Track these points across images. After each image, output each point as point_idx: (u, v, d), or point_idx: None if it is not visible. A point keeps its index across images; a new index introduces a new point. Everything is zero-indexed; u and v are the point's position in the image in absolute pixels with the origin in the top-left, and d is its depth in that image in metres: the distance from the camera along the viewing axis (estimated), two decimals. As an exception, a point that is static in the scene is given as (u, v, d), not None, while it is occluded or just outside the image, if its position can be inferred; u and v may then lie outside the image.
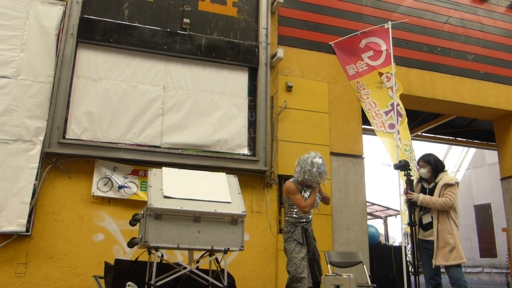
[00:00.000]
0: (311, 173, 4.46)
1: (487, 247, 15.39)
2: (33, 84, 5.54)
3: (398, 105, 6.79)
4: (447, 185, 4.59)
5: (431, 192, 4.64)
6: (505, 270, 9.98)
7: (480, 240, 15.74)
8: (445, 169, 4.74)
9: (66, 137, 5.56)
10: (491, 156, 14.47)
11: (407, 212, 6.32)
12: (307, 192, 4.58)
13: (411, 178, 4.72)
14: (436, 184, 4.65)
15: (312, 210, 4.59)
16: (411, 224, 4.61)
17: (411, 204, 4.66)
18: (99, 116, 5.73)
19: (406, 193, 4.69)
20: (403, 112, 6.88)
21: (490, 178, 15.19)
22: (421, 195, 4.57)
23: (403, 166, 4.76)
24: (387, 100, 7.08)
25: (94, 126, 5.68)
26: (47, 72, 5.62)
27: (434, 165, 4.71)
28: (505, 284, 10.11)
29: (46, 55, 5.67)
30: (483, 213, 15.78)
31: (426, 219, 4.63)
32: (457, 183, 4.68)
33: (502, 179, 8.62)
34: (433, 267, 4.49)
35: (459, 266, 4.48)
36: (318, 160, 4.52)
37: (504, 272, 11.17)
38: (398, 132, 6.51)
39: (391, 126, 6.96)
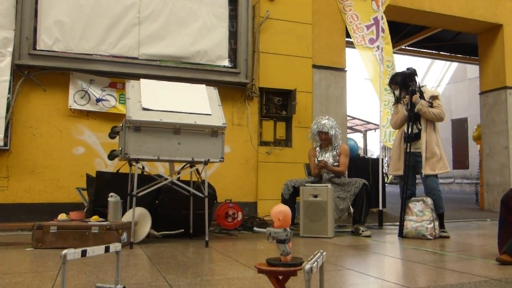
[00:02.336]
0: (311, 129, 5.07)
1: (460, 160, 16.06)
2: (-5, -10, 5.14)
3: (382, 18, 6.60)
4: (434, 97, 4.64)
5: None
6: (475, 180, 10.48)
7: (454, 153, 16.36)
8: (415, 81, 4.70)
9: (37, 48, 5.28)
10: (472, 71, 14.54)
11: (385, 130, 6.43)
12: (326, 154, 5.00)
13: (413, 88, 4.63)
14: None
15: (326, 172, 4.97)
16: (409, 136, 4.61)
17: (412, 109, 4.60)
18: (71, 26, 5.41)
19: (411, 95, 4.61)
20: (386, 27, 6.72)
21: (469, 93, 15.42)
22: (421, 101, 4.58)
23: (411, 74, 4.68)
24: (369, 14, 6.89)
25: (66, 36, 5.39)
26: (10, -24, 5.19)
27: (405, 82, 4.69)
28: (474, 193, 10.68)
29: (7, -44, 5.19)
30: (459, 127, 16.24)
31: (414, 130, 4.67)
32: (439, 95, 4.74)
33: (481, 93, 8.73)
34: (423, 176, 4.63)
35: (436, 176, 4.65)
36: (321, 120, 4.99)
37: (474, 183, 11.74)
38: (381, 49, 6.40)
39: (372, 41, 6.85)
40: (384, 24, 6.65)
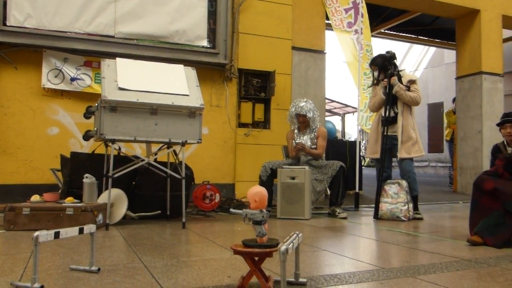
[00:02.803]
0: (290, 112, 5.07)
1: (435, 144, 16.34)
2: (-37, -39, 4.90)
3: (362, 2, 6.58)
4: (412, 81, 4.68)
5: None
6: (449, 164, 10.70)
7: (429, 137, 16.63)
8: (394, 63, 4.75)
9: (7, 24, 5.09)
10: (449, 56, 14.70)
11: (362, 114, 6.48)
12: (304, 137, 5.00)
13: (391, 72, 4.67)
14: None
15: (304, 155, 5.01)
16: (386, 119, 4.67)
17: (389, 92, 4.65)
18: (44, 1, 5.22)
19: (389, 78, 4.65)
20: (365, 11, 6.72)
21: (446, 78, 15.62)
22: (398, 84, 4.62)
23: (390, 57, 4.71)
24: None
25: (38, 12, 5.20)
26: None
27: (384, 65, 4.73)
28: (447, 176, 10.92)
29: None
30: (435, 112, 16.47)
31: (391, 114, 4.71)
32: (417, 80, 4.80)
33: (457, 78, 8.85)
34: (398, 159, 4.70)
35: (411, 159, 4.73)
36: (299, 103, 4.97)
37: (448, 166, 11.99)
38: (361, 32, 6.40)
39: (350, 24, 6.86)
40: (363, 8, 6.65)
